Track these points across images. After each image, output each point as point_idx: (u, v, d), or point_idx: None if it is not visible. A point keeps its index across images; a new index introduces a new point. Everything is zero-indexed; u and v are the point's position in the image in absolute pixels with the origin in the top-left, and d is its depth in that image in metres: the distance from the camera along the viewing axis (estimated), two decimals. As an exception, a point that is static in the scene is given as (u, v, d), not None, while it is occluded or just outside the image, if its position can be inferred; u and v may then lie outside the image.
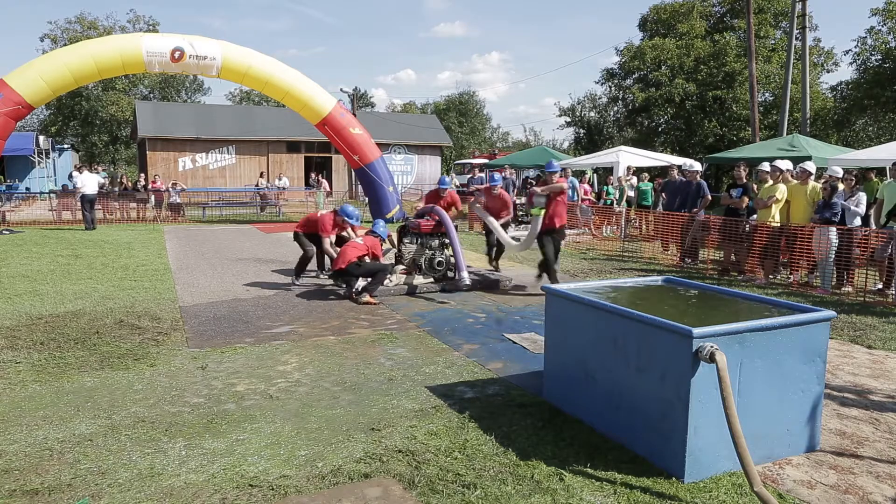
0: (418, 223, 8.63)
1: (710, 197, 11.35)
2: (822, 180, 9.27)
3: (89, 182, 16.79)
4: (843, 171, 9.50)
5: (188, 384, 4.69)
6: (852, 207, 8.85)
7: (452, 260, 8.62)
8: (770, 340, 3.42)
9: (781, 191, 9.41)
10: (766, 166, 9.98)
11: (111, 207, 19.85)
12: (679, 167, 12.66)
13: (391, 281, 8.22)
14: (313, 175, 27.29)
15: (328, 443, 3.71)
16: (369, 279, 7.79)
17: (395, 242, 8.92)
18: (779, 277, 9.59)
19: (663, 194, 12.67)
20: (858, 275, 8.69)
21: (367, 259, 7.84)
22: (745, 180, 10.38)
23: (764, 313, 3.81)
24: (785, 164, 9.80)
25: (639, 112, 36.36)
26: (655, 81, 34.49)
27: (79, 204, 16.94)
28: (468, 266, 8.77)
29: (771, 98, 32.14)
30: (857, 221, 8.96)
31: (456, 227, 8.87)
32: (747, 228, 9.73)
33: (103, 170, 29.66)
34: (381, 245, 8.25)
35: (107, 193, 21.27)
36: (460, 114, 58.76)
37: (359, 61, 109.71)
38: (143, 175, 23.92)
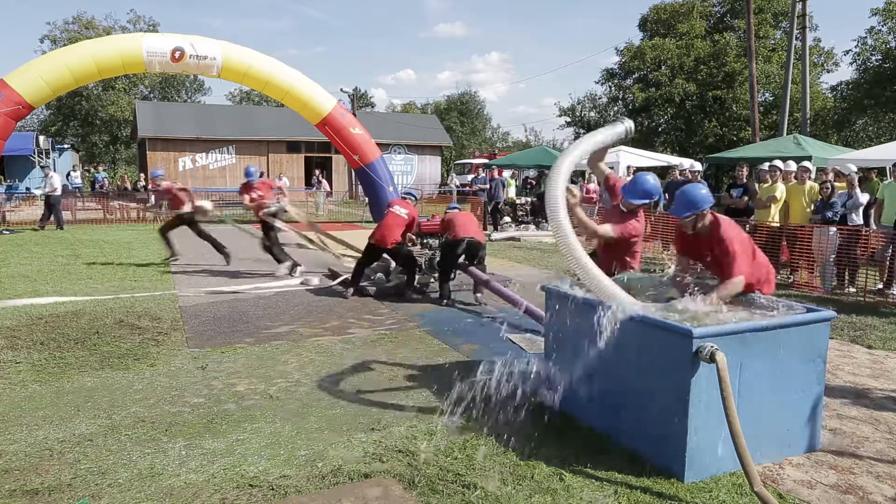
0: (418, 223, 8.61)
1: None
2: (821, 181, 9.27)
3: (56, 183, 16.42)
4: (857, 168, 9.51)
5: (188, 384, 4.69)
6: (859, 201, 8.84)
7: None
8: (770, 340, 3.42)
9: (780, 190, 9.41)
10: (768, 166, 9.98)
11: (111, 207, 19.85)
12: (676, 167, 12.75)
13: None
14: (316, 172, 27.29)
15: (328, 443, 3.70)
16: (405, 278, 8.07)
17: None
18: (778, 277, 9.59)
19: (666, 195, 12.69)
20: (859, 275, 8.69)
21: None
22: (745, 180, 10.38)
23: (764, 313, 3.80)
24: (784, 164, 9.80)
25: (639, 112, 36.37)
26: (655, 81, 34.52)
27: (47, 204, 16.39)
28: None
29: (771, 98, 32.16)
30: (858, 222, 8.95)
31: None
32: (747, 228, 9.73)
33: (103, 169, 29.61)
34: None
35: (106, 193, 21.30)
36: (461, 114, 58.74)
37: (359, 61, 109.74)
38: (143, 175, 23.92)
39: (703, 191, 4.03)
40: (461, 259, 7.77)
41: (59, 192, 16.45)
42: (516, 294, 6.79)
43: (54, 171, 17.66)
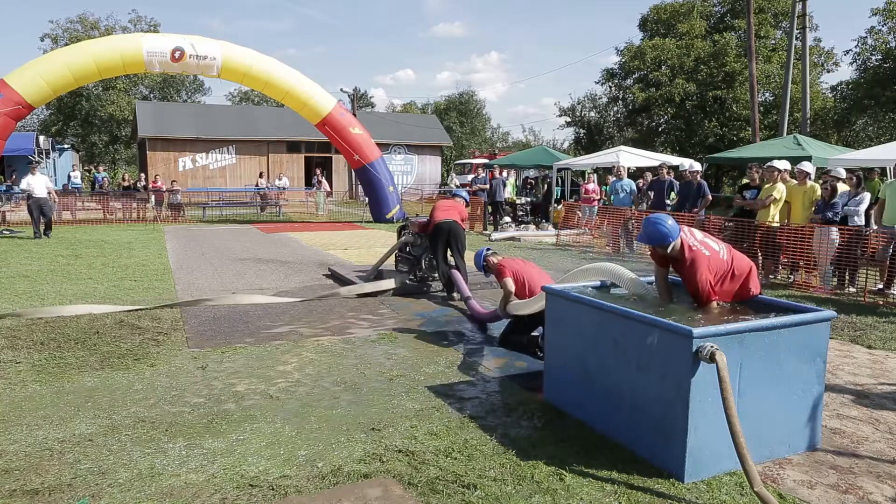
0: (418, 222, 8.61)
1: (710, 197, 11.36)
2: (822, 181, 9.26)
3: (37, 184, 14.37)
4: (845, 172, 9.47)
5: (188, 384, 4.69)
6: (852, 208, 8.81)
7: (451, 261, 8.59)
8: (770, 340, 3.42)
9: (780, 190, 9.41)
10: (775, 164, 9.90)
11: (111, 207, 19.88)
12: (660, 165, 12.96)
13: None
14: (317, 171, 27.28)
15: (328, 443, 3.71)
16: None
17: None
18: (779, 277, 9.59)
19: (650, 193, 12.72)
20: (859, 275, 8.69)
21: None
22: (758, 182, 10.25)
23: (764, 313, 3.81)
24: (782, 164, 9.78)
25: (639, 112, 36.38)
26: (655, 81, 34.49)
27: (31, 208, 14.40)
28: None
29: (771, 98, 32.15)
30: (859, 223, 8.92)
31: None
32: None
33: (103, 169, 29.60)
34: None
35: (106, 193, 21.31)
36: (460, 114, 58.74)
37: (359, 61, 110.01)
38: (143, 175, 23.94)
39: (668, 224, 4.00)
40: (448, 251, 8.00)
41: (36, 193, 14.26)
42: (485, 310, 6.82)
43: (50, 172, 16.87)
